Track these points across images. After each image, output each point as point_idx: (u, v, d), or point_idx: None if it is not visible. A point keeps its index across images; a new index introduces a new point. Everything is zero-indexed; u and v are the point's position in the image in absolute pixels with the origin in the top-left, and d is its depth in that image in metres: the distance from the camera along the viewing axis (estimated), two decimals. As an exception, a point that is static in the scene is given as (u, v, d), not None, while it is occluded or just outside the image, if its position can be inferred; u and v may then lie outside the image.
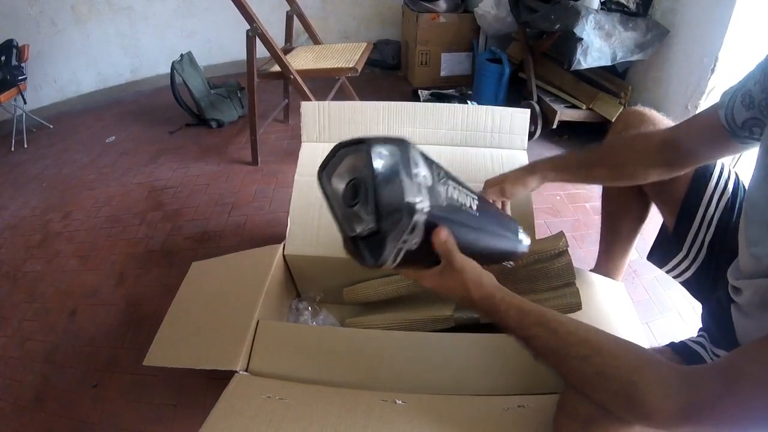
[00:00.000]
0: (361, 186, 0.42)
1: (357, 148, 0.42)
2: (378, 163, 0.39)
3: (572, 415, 0.51)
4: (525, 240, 0.68)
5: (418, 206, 0.40)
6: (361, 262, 0.44)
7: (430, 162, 0.45)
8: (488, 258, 0.61)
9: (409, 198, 0.40)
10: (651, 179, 0.69)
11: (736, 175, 0.72)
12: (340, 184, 0.45)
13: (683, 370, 0.43)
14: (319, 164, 0.46)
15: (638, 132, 0.73)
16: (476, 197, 0.54)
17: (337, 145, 0.44)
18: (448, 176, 0.48)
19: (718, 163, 0.71)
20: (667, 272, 0.80)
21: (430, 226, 0.44)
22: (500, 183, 0.78)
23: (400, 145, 0.42)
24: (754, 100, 0.52)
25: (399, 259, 0.43)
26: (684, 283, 0.79)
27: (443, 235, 0.46)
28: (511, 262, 0.70)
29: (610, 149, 0.74)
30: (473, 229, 0.53)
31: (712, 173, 0.70)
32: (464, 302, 0.53)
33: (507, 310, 0.51)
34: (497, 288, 0.53)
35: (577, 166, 0.75)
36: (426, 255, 0.48)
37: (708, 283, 0.72)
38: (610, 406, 0.45)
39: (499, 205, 0.81)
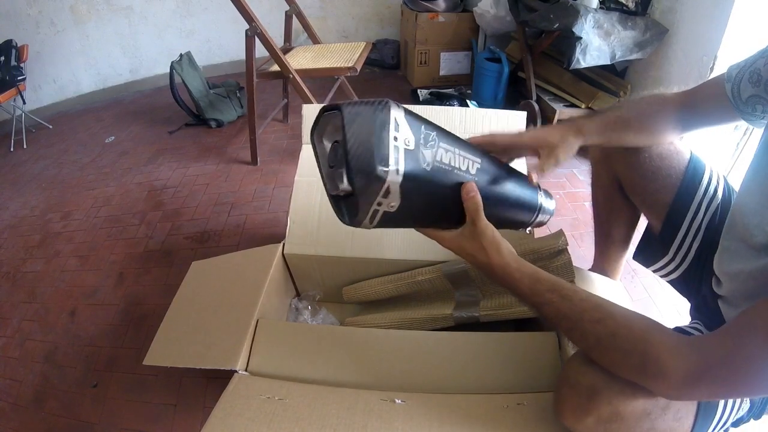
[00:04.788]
0: (339, 149, 0.43)
1: (334, 113, 0.44)
2: (350, 128, 0.41)
3: (575, 386, 0.52)
4: (547, 204, 0.64)
5: (391, 171, 0.41)
6: (342, 220, 0.47)
7: (419, 124, 0.46)
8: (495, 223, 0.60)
9: (380, 163, 0.41)
10: (667, 140, 0.69)
11: (726, 180, 0.72)
12: (327, 145, 0.46)
13: (690, 337, 0.44)
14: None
15: (653, 94, 0.70)
16: (479, 161, 0.54)
17: (321, 108, 0.46)
18: (443, 139, 0.48)
19: (707, 168, 0.71)
20: (653, 271, 0.81)
21: (412, 189, 0.44)
22: (547, 142, 0.61)
23: (380, 107, 0.43)
24: (761, 78, 0.53)
25: (376, 220, 0.45)
26: (670, 282, 0.79)
27: (472, 190, 0.50)
28: (529, 229, 0.67)
29: (637, 104, 0.68)
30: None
31: (701, 180, 0.70)
32: (481, 267, 0.54)
33: (521, 278, 0.52)
34: (514, 258, 0.54)
35: (613, 126, 0.66)
36: (448, 213, 0.52)
37: (694, 283, 0.72)
38: (622, 367, 0.46)
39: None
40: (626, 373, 0.46)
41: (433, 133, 0.47)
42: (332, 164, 0.46)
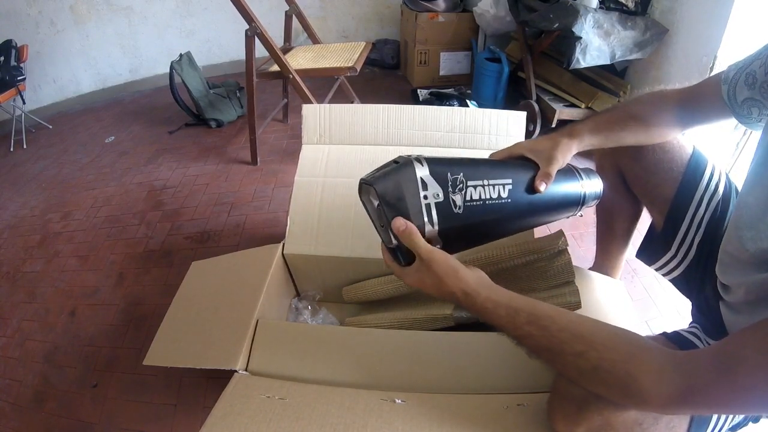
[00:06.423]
0: (382, 214, 0.51)
1: (368, 187, 0.52)
2: (384, 200, 0.49)
3: (567, 397, 0.52)
4: (591, 188, 0.66)
5: (426, 226, 0.49)
6: (399, 264, 0.54)
7: (445, 172, 0.51)
8: (542, 221, 0.65)
9: (415, 223, 0.48)
10: (668, 137, 0.69)
11: (727, 176, 0.71)
12: (375, 202, 0.52)
13: (677, 355, 0.43)
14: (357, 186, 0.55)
15: (654, 91, 0.70)
16: (510, 182, 0.56)
17: (360, 180, 0.53)
18: (471, 176, 0.53)
19: (709, 164, 0.71)
20: (656, 270, 0.80)
21: (450, 233, 0.51)
22: (540, 149, 0.62)
23: (404, 173, 0.49)
24: (756, 81, 0.53)
25: None
26: (672, 281, 0.79)
27: (400, 224, 0.49)
28: (581, 213, 0.68)
29: (636, 102, 0.68)
30: (508, 216, 0.57)
31: (702, 174, 0.70)
32: (450, 298, 0.52)
33: (495, 309, 0.50)
34: (480, 284, 0.51)
35: (609, 127, 0.67)
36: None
37: (696, 282, 0.72)
38: (607, 396, 0.46)
39: None
40: (613, 399, 0.46)
41: (460, 175, 0.52)
42: (382, 224, 0.52)
